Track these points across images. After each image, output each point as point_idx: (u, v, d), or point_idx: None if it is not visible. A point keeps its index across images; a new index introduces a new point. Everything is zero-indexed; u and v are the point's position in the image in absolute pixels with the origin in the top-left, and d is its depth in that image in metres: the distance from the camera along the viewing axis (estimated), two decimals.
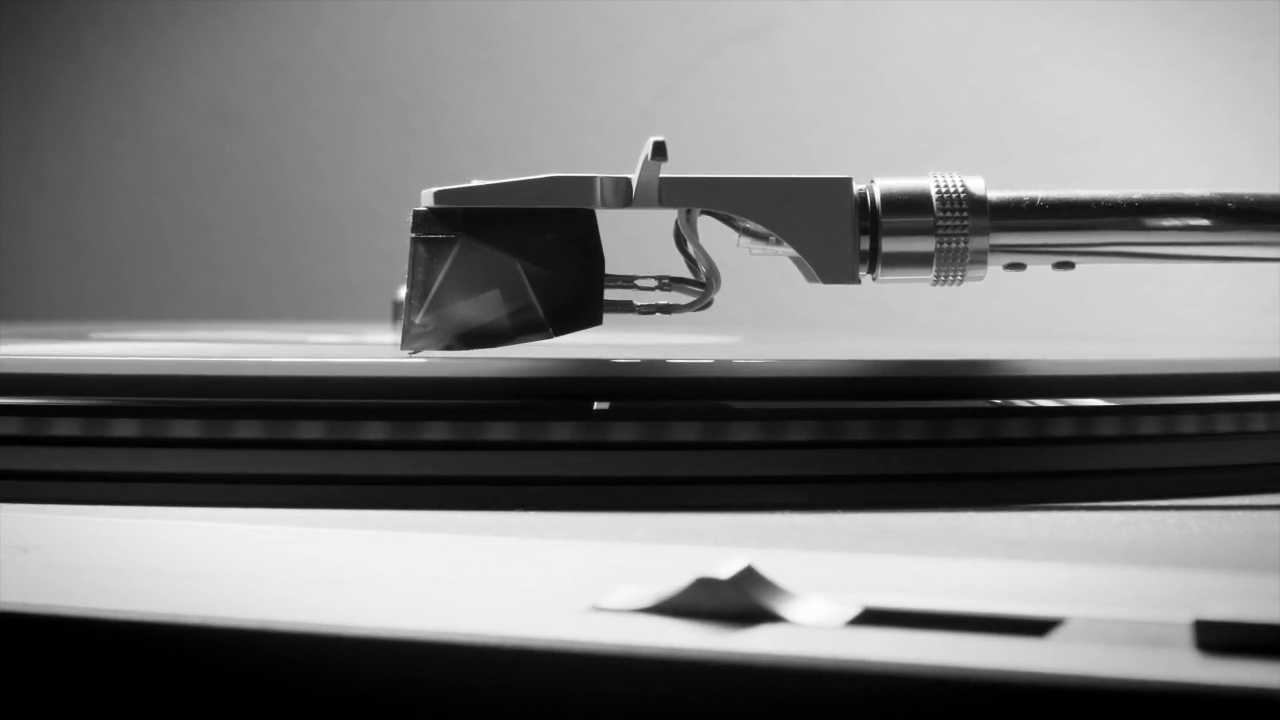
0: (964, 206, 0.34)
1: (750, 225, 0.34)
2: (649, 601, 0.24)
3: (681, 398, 0.33)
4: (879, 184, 0.35)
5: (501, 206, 0.34)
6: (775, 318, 0.81)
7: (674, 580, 0.24)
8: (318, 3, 0.89)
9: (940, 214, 0.34)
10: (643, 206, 0.34)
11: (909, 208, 0.34)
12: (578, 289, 0.34)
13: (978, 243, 0.34)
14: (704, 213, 0.35)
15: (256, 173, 0.90)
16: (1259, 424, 0.36)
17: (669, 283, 0.35)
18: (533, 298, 0.34)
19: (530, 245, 0.34)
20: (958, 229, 0.34)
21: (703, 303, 0.35)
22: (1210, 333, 0.75)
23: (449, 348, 0.34)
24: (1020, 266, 0.35)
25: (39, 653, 0.24)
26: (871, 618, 0.23)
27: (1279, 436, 0.36)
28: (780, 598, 0.24)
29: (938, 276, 0.35)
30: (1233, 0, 0.74)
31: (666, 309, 0.35)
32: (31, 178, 0.94)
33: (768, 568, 0.24)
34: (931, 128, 0.79)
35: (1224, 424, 0.35)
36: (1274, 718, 0.20)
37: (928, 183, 0.34)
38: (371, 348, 0.41)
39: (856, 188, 0.34)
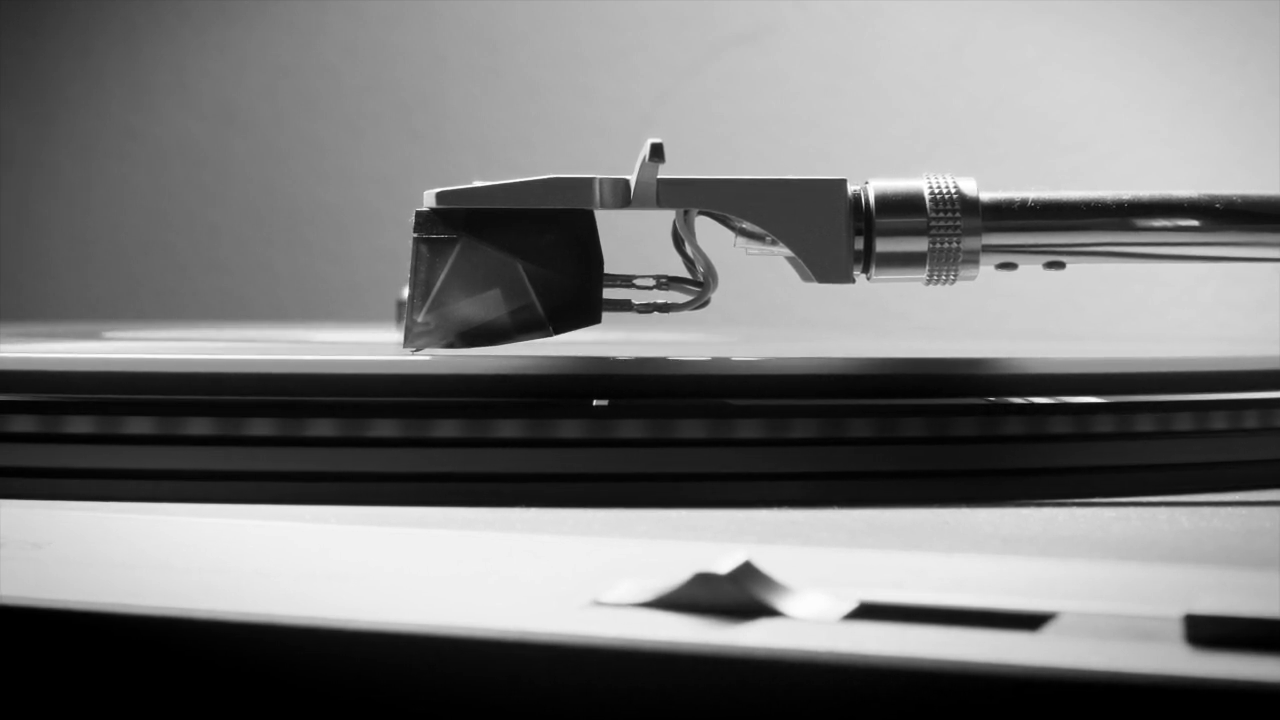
0: (957, 207, 0.34)
1: (746, 225, 0.35)
2: (649, 596, 0.24)
3: (680, 395, 0.34)
4: (873, 185, 0.35)
5: (502, 207, 0.34)
6: (772, 317, 0.81)
7: (673, 575, 0.24)
8: (323, 8, 0.90)
9: (933, 215, 0.34)
10: (641, 207, 0.34)
11: (903, 208, 0.35)
12: (577, 288, 0.35)
13: (970, 243, 0.35)
14: (701, 213, 0.35)
15: (263, 175, 0.91)
16: (1249, 421, 0.36)
17: (667, 282, 0.35)
18: (533, 297, 0.34)
19: (530, 245, 0.34)
20: (951, 229, 0.34)
21: (700, 302, 0.35)
22: (1201, 332, 0.75)
23: (450, 346, 0.35)
24: (1012, 266, 0.35)
25: (50, 647, 0.25)
26: (867, 612, 0.24)
27: (1269, 434, 0.36)
28: (778, 593, 0.24)
29: (931, 276, 0.35)
30: (1222, 5, 0.74)
31: (664, 308, 0.36)
32: (42, 180, 0.94)
33: (766, 563, 0.24)
34: (926, 130, 0.79)
35: (1215, 421, 0.35)
36: (1263, 711, 0.20)
37: (921, 184, 0.35)
38: (376, 346, 0.42)
39: (851, 189, 0.35)
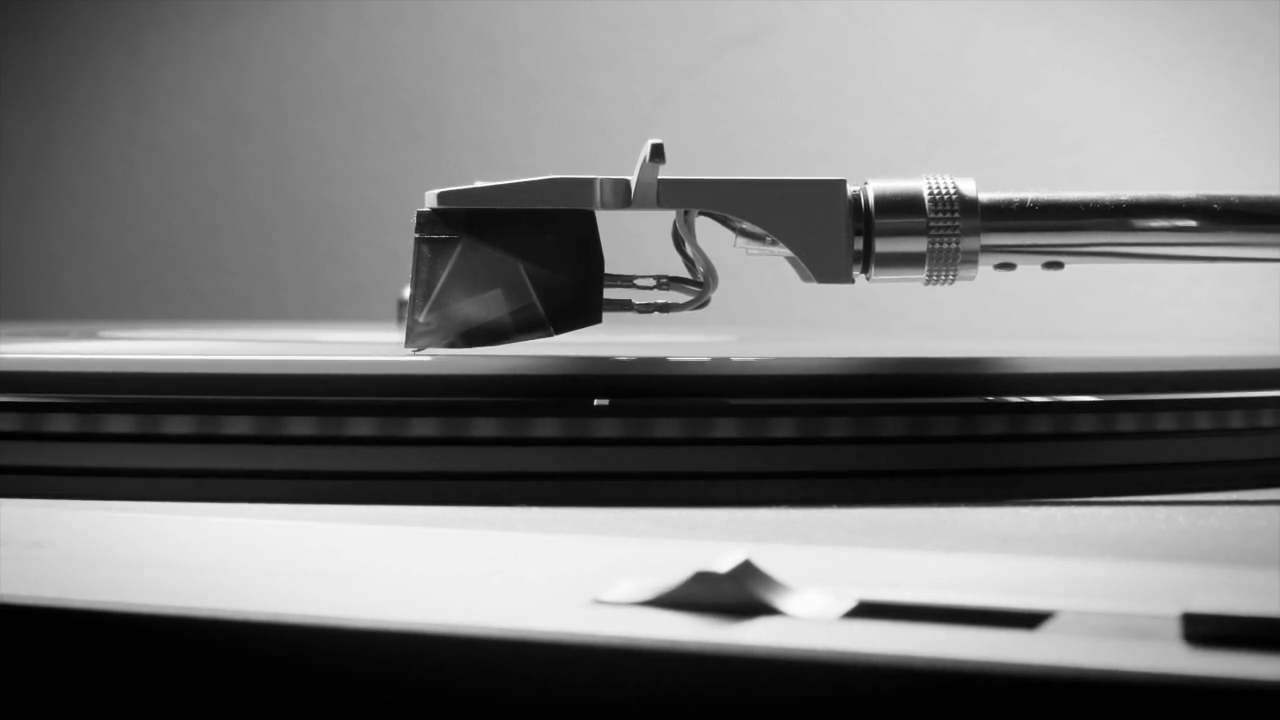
0: (955, 208, 0.35)
1: (746, 226, 0.35)
2: (649, 595, 0.24)
3: (680, 395, 0.34)
4: (872, 185, 0.35)
5: (503, 207, 0.34)
6: (772, 317, 0.81)
7: (673, 574, 0.24)
8: (324, 9, 0.90)
9: (932, 215, 0.35)
10: (641, 207, 0.35)
11: (902, 209, 0.35)
12: (578, 288, 0.35)
13: (969, 243, 0.35)
14: (701, 213, 0.35)
15: (264, 175, 0.91)
16: (1246, 420, 0.36)
17: (667, 282, 0.36)
18: (534, 297, 0.35)
19: (531, 245, 0.34)
20: (949, 230, 0.35)
21: (700, 302, 0.36)
22: (1197, 331, 0.75)
23: (451, 346, 0.35)
24: (1010, 266, 0.35)
25: (52, 646, 0.25)
26: (866, 610, 0.24)
27: (1266, 433, 0.36)
28: (777, 591, 0.24)
29: (930, 276, 0.35)
30: (1220, 6, 0.74)
31: (664, 308, 0.36)
32: (45, 181, 0.94)
33: (765, 562, 0.24)
34: (926, 131, 0.79)
35: (1212, 421, 0.36)
36: (1261, 709, 0.20)
37: (920, 184, 0.35)
38: (378, 346, 0.42)
39: (850, 189, 0.35)
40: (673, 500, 0.33)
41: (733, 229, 0.35)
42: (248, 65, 0.91)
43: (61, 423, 0.33)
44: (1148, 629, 0.22)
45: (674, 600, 0.24)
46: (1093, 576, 0.25)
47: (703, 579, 0.24)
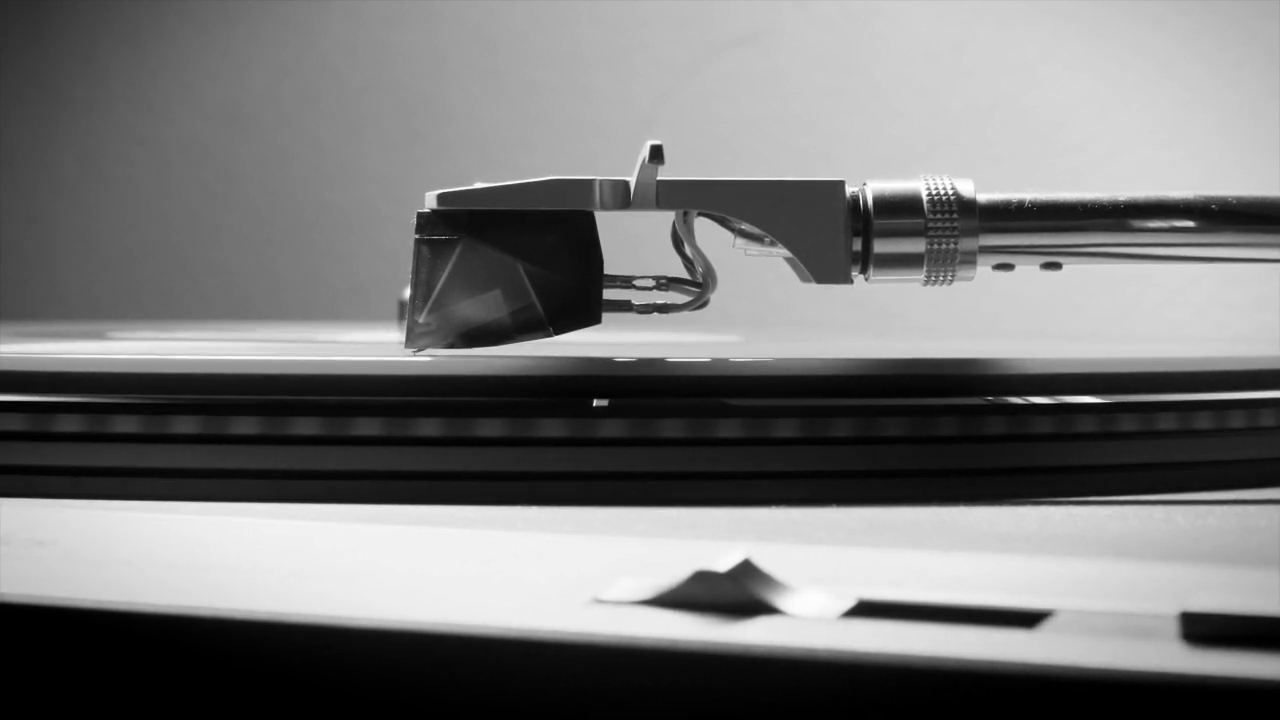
0: (954, 208, 0.35)
1: (745, 226, 0.35)
2: (649, 594, 0.24)
3: (679, 395, 0.34)
4: (871, 186, 0.35)
5: (503, 208, 0.34)
6: (771, 317, 0.81)
7: (673, 573, 0.24)
8: (325, 9, 0.90)
9: (931, 216, 0.35)
10: (640, 208, 0.35)
11: (900, 209, 0.35)
12: (577, 289, 0.35)
13: (967, 244, 0.35)
14: (700, 214, 0.35)
15: (265, 175, 0.91)
16: (1244, 421, 0.36)
17: (666, 283, 0.36)
18: (533, 297, 0.35)
19: (531, 246, 0.35)
20: (948, 230, 0.35)
21: (699, 302, 0.36)
22: (1195, 332, 0.75)
23: (451, 346, 0.35)
24: (1009, 267, 0.36)
25: (55, 646, 0.25)
26: (865, 610, 0.24)
27: (1264, 433, 0.36)
28: (777, 590, 0.24)
29: (928, 276, 0.35)
30: (1219, 7, 0.74)
31: (664, 308, 0.36)
32: (46, 181, 0.94)
33: (764, 561, 0.24)
34: (926, 131, 0.79)
35: (1210, 421, 0.36)
36: (1259, 708, 0.21)
37: (919, 185, 0.35)
38: (379, 346, 0.42)
39: (849, 190, 0.35)
40: (673, 500, 0.33)
41: (731, 229, 0.35)
42: (248, 65, 0.91)
43: (67, 423, 0.33)
44: (1146, 628, 0.22)
45: (674, 600, 0.24)
46: (1091, 576, 0.25)
47: (703, 578, 0.24)
